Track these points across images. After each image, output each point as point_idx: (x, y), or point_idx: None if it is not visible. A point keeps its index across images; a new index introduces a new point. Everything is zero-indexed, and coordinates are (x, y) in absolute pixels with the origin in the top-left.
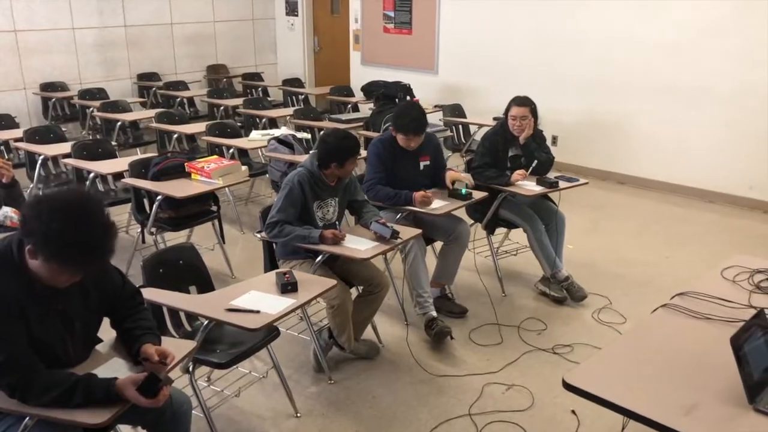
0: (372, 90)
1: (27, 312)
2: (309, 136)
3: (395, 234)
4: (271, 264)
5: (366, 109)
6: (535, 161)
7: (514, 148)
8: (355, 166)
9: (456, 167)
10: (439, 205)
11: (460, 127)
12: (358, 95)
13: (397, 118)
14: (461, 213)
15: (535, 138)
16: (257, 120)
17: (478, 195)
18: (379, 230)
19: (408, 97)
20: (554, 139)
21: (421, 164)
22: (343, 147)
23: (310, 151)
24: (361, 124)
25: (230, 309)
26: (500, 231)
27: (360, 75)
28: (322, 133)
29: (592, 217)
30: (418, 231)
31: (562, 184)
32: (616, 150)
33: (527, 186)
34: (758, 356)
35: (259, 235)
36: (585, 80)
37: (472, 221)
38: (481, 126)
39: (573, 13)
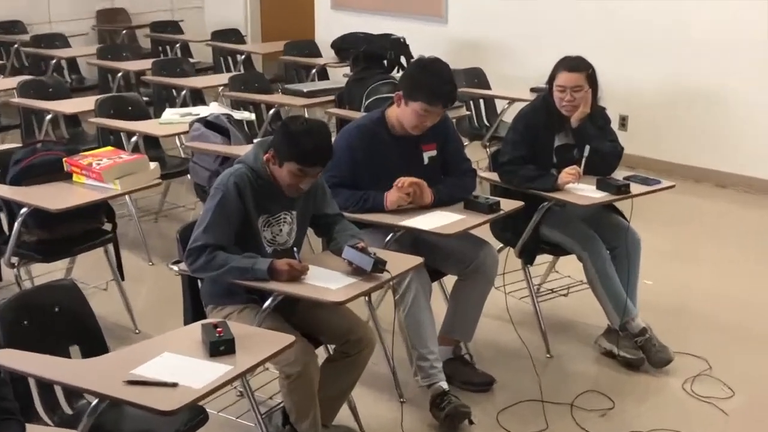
0: (348, 47)
1: None
2: (252, 116)
3: (379, 265)
4: (194, 311)
5: (339, 75)
6: (592, 152)
7: (563, 133)
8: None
9: (476, 164)
10: (447, 220)
11: (481, 102)
12: (327, 55)
13: (418, 79)
14: (484, 232)
15: (595, 119)
16: (173, 93)
17: (508, 205)
18: (354, 259)
19: (403, 59)
20: (623, 121)
21: (425, 156)
22: (317, 145)
23: (254, 140)
24: (331, 98)
25: (132, 381)
26: (543, 259)
27: (329, 25)
28: (284, 119)
29: (679, 236)
30: (418, 260)
31: (635, 188)
32: (714, 138)
33: (583, 191)
34: None
35: (176, 268)
36: (668, 37)
37: (501, 245)
38: (512, 101)
39: None
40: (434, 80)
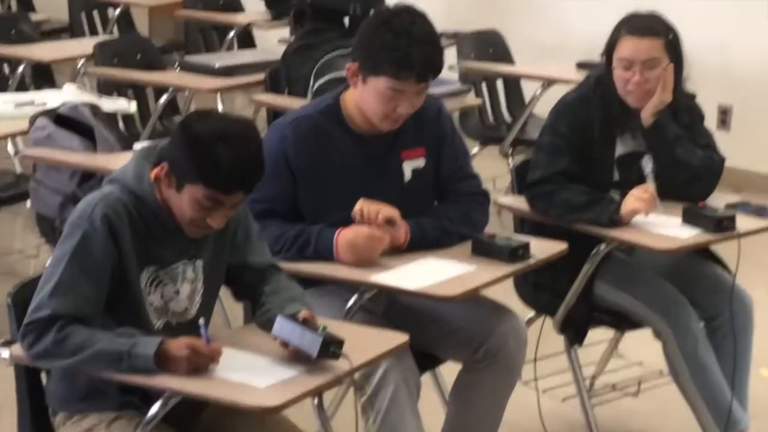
0: None
1: None
2: (133, 107)
3: (331, 347)
4: (35, 423)
5: (272, 40)
6: (674, 165)
7: (630, 135)
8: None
9: (491, 183)
10: (444, 274)
11: (500, 85)
12: (253, 8)
13: (377, 40)
14: (504, 293)
15: (679, 112)
16: (4, 68)
17: (543, 250)
18: (292, 337)
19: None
20: (723, 117)
21: (407, 167)
22: (237, 158)
23: (135, 146)
24: (260, 77)
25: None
26: (599, 336)
27: None
28: (184, 115)
29: None
30: (399, 338)
31: (744, 221)
32: None
33: (662, 227)
34: None
35: (5, 354)
36: None
37: (532, 313)
38: (548, 83)
39: None
40: (401, 40)
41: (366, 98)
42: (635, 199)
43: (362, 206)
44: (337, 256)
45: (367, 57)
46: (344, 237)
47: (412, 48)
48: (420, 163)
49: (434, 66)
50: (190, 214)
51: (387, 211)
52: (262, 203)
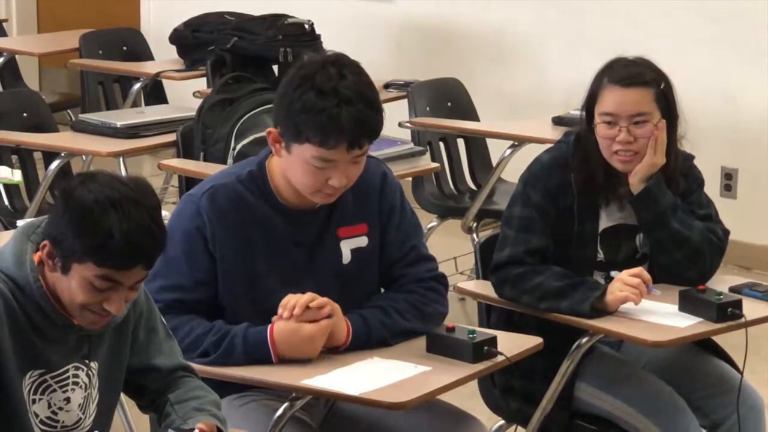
0: (203, 42)
1: None
2: (18, 176)
3: None
4: None
5: (186, 93)
6: (669, 240)
7: (616, 205)
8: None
9: (451, 264)
10: (393, 376)
11: (461, 145)
12: (163, 55)
13: (298, 100)
14: (467, 399)
15: (673, 176)
16: None
17: (514, 345)
18: None
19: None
20: (727, 182)
21: (345, 248)
22: (134, 227)
23: (20, 223)
24: (170, 139)
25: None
26: None
27: (167, 1)
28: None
29: None
30: None
31: (752, 307)
32: None
33: (655, 315)
34: None
35: None
36: None
37: (501, 421)
38: (518, 143)
39: None
40: (327, 100)
41: (291, 169)
42: (623, 284)
43: (291, 300)
44: (275, 356)
45: (288, 121)
46: (277, 333)
47: (340, 108)
48: (361, 242)
49: (369, 129)
50: (82, 299)
51: (313, 300)
52: (172, 292)
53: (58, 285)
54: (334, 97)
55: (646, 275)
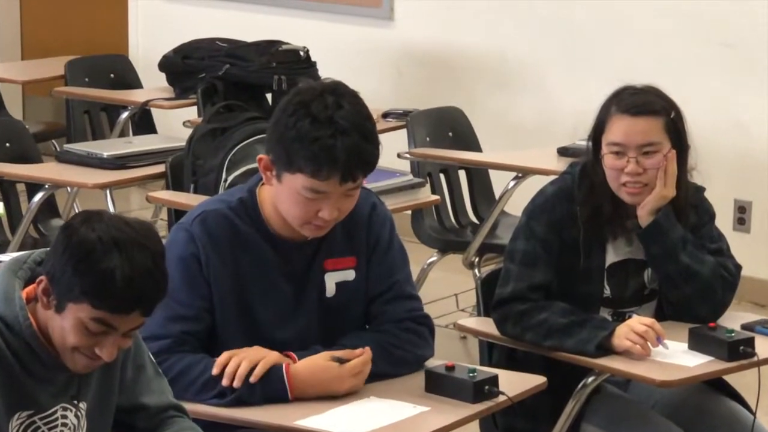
0: (193, 70)
1: None
2: (0, 209)
3: None
4: None
5: (176, 123)
6: (679, 276)
7: (624, 240)
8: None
9: (452, 301)
10: (388, 417)
11: (462, 177)
12: (152, 83)
13: (292, 129)
14: None
15: (684, 209)
16: None
17: (516, 385)
18: None
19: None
20: (740, 215)
21: (329, 281)
22: (133, 271)
23: (3, 258)
24: (159, 170)
25: None
26: None
27: (156, 29)
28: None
29: None
30: None
31: (764, 345)
32: None
33: (662, 354)
34: None
35: None
36: None
37: None
38: (522, 175)
39: None
40: (322, 129)
41: (281, 198)
42: (633, 331)
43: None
44: (292, 395)
45: (280, 149)
46: (299, 370)
47: (335, 139)
48: (348, 275)
49: (363, 162)
50: (74, 341)
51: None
52: (177, 323)
53: (50, 324)
54: (329, 127)
55: (659, 327)
